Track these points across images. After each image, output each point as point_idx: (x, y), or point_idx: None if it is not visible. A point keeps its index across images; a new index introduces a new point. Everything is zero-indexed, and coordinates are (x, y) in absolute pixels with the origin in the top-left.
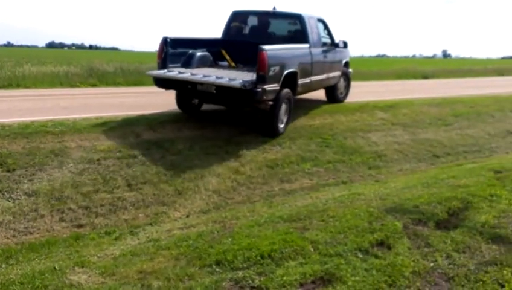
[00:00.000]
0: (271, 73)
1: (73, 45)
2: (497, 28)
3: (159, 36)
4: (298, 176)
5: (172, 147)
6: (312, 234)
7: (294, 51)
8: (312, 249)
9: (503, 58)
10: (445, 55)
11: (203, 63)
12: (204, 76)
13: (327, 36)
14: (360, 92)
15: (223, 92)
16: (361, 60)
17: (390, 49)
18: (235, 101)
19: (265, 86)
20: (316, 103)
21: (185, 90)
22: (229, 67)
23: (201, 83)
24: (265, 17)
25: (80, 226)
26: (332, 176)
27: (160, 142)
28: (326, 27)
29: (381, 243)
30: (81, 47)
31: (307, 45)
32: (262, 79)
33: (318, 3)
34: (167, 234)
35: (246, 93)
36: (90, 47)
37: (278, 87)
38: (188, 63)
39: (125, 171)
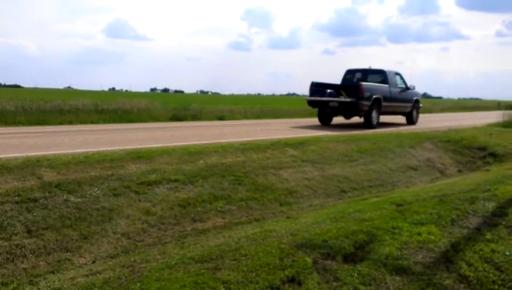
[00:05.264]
0: (365, 96)
1: None
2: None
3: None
4: (211, 214)
5: (77, 188)
6: (224, 274)
7: (378, 87)
8: None
9: None
10: None
11: (331, 96)
12: (333, 98)
13: (402, 83)
14: (269, 129)
15: (342, 105)
16: (273, 98)
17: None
18: (348, 110)
19: (362, 102)
20: (229, 141)
21: (322, 106)
22: (344, 97)
23: (332, 101)
24: (365, 72)
25: None
26: (245, 214)
27: (64, 184)
28: (401, 77)
29: (292, 280)
30: None
31: (387, 85)
32: (361, 98)
33: None
34: (70, 283)
35: (353, 104)
36: None
37: (369, 104)
38: (323, 95)
39: (25, 217)
